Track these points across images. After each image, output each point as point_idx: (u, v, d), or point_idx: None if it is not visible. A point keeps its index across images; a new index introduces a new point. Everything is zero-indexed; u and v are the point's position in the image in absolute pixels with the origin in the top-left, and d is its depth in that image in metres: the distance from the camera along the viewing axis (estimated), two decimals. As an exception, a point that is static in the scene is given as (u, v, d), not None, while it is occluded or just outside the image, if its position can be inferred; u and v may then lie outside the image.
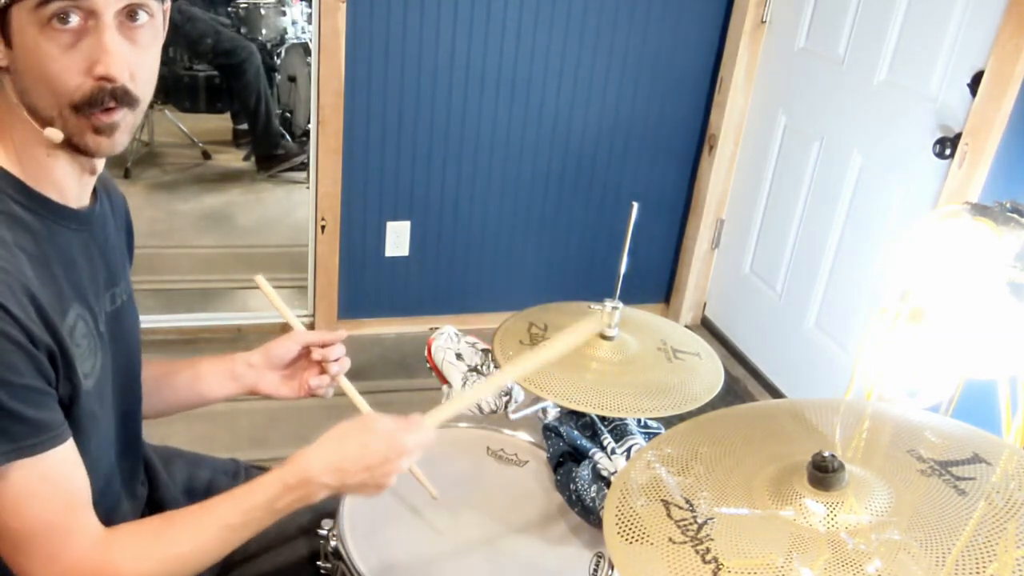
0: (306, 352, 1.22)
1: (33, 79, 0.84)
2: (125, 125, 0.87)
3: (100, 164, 0.95)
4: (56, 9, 0.80)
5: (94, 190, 0.98)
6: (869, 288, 2.43)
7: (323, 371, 1.20)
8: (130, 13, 0.84)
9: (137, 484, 1.14)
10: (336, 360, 1.20)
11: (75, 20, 0.82)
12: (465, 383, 1.52)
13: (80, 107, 0.84)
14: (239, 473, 1.33)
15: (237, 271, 3.38)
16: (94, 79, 0.83)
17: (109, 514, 0.99)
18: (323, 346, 1.21)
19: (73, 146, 0.88)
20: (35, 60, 0.83)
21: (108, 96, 0.84)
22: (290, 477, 0.98)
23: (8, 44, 0.83)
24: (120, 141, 0.88)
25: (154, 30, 0.88)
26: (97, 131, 0.86)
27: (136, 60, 0.86)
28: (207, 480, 1.30)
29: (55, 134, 0.86)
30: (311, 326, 2.99)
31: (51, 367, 0.86)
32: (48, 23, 0.81)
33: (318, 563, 1.17)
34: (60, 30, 0.81)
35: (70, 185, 0.92)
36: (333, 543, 1.15)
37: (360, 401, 1.19)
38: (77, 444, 0.90)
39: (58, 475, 0.88)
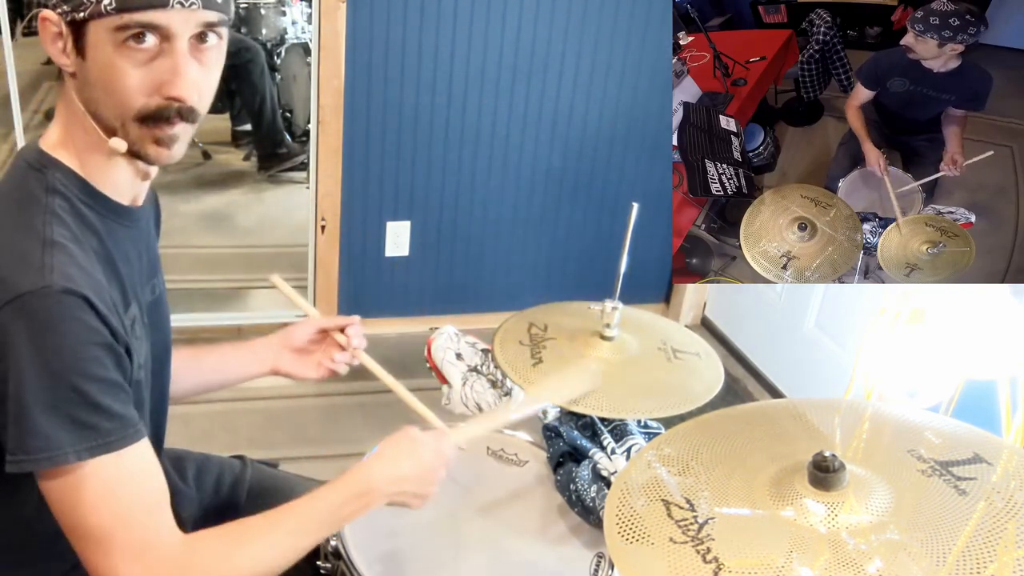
0: (322, 336, 1.27)
1: (102, 91, 0.86)
2: (184, 137, 0.91)
3: (154, 170, 0.98)
4: (136, 31, 0.83)
5: None
6: (869, 288, 2.42)
7: (343, 349, 1.26)
8: (201, 35, 0.87)
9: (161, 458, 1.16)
10: (356, 338, 1.25)
11: (151, 41, 0.84)
12: (465, 383, 1.52)
13: (145, 120, 0.87)
14: (245, 469, 1.34)
15: (237, 271, 3.38)
16: (163, 98, 0.86)
17: None
18: (341, 329, 1.26)
19: (134, 154, 0.90)
20: (107, 74, 0.85)
21: (174, 113, 0.87)
22: (354, 488, 1.02)
23: (81, 55, 0.86)
24: (178, 151, 0.91)
25: (220, 51, 0.91)
26: (158, 142, 0.89)
27: (203, 80, 0.89)
28: (215, 477, 1.31)
29: (119, 144, 0.89)
30: (311, 326, 2.99)
31: (128, 362, 0.89)
32: (124, 42, 0.83)
33: (318, 563, 1.17)
34: (136, 49, 0.84)
35: (125, 187, 0.96)
36: (333, 543, 1.15)
37: (383, 374, 1.23)
38: None
39: (138, 471, 0.89)
